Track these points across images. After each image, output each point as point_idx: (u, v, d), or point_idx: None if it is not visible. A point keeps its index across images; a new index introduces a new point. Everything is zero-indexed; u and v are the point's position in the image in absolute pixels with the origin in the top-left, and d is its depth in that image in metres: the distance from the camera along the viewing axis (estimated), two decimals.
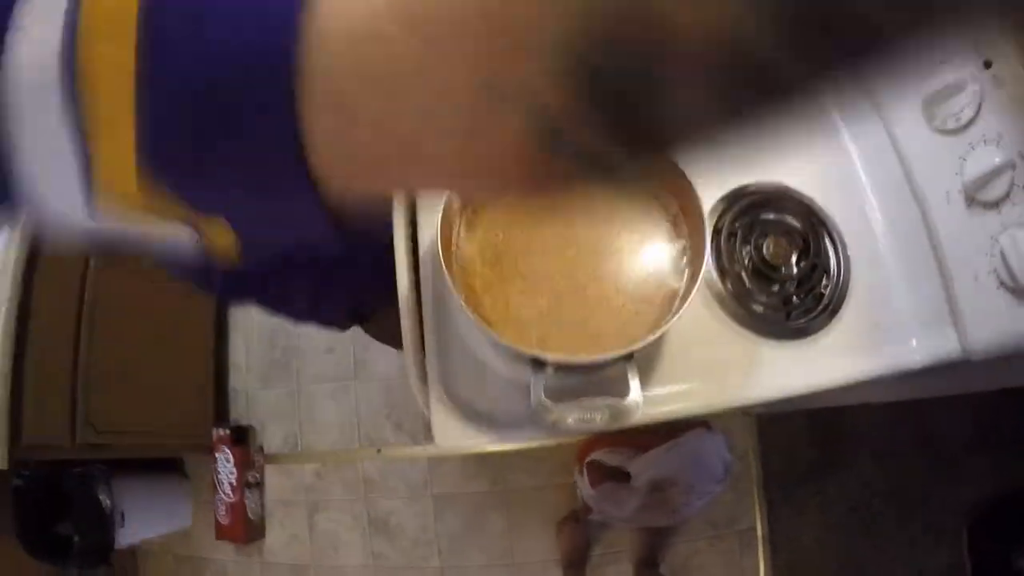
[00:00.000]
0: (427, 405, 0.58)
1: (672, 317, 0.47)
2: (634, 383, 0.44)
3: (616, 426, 0.43)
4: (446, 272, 0.47)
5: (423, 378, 0.59)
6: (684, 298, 0.49)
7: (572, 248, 0.53)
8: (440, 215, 0.48)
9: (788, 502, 1.36)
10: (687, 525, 1.31)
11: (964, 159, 0.51)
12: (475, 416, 0.56)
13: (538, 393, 0.44)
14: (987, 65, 0.49)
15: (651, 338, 0.45)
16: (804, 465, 1.37)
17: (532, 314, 0.51)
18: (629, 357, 0.45)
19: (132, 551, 1.63)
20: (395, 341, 1.17)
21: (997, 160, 0.47)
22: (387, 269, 0.62)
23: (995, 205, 0.48)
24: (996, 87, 0.48)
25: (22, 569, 1.26)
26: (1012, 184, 0.46)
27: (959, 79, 0.50)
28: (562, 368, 0.48)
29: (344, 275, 0.70)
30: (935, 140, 0.54)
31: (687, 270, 0.52)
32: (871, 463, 1.35)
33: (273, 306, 0.71)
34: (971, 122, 0.50)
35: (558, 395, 0.46)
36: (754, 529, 1.35)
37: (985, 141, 0.49)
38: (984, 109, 0.49)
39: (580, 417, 0.44)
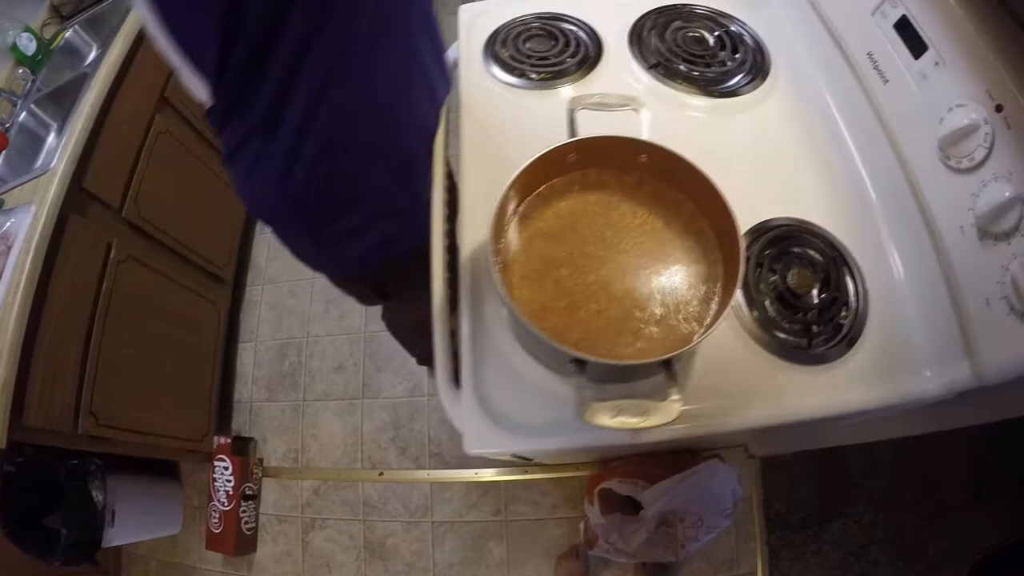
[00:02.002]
0: (455, 412, 0.59)
1: (705, 332, 0.49)
2: (672, 389, 0.46)
3: (655, 425, 0.44)
4: (493, 269, 0.49)
5: (454, 383, 0.60)
6: (716, 316, 0.51)
7: (612, 263, 0.55)
8: (493, 217, 0.51)
9: (787, 547, 1.34)
10: (688, 565, 1.29)
11: (977, 195, 0.54)
12: (507, 423, 0.57)
13: (581, 392, 0.46)
14: (999, 109, 0.52)
15: (690, 345, 0.47)
16: (804, 510, 1.35)
17: (571, 320, 0.53)
18: (667, 363, 0.47)
19: (117, 552, 1.58)
20: (413, 334, 1.16)
21: (1008, 194, 0.49)
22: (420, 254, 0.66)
23: (1006, 236, 0.51)
24: (1007, 128, 0.51)
25: (4, 557, 1.20)
26: (1022, 217, 0.49)
27: (973, 122, 0.53)
28: (602, 371, 0.50)
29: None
30: (950, 178, 0.57)
31: (720, 293, 0.54)
32: (871, 510, 1.34)
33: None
34: (984, 161, 0.53)
35: (597, 398, 0.47)
36: (754, 574, 1.33)
37: (996, 178, 0.52)
38: (996, 149, 0.52)
39: (620, 416, 0.45)
